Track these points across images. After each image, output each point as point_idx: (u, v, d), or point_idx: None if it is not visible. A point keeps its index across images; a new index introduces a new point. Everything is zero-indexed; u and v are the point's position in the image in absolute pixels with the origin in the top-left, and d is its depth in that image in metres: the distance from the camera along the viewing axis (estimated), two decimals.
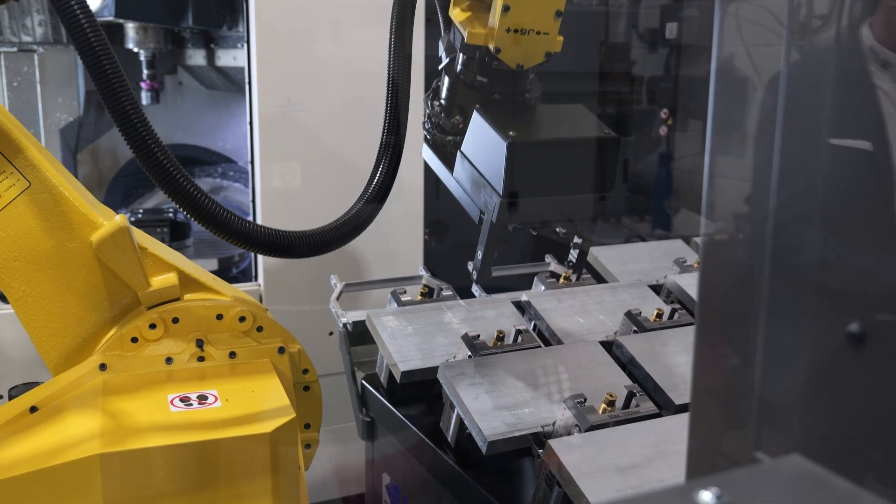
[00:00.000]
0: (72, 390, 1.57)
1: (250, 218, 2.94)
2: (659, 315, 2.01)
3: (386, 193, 1.75)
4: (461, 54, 1.76)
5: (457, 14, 1.74)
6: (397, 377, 1.91)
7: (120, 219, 1.61)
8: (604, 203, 1.70)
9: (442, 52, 1.85)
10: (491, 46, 1.66)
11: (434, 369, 1.84)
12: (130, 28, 3.28)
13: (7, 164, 1.54)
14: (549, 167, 1.64)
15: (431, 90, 1.88)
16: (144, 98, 3.39)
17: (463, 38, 1.71)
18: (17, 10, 3.22)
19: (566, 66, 3.69)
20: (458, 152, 1.75)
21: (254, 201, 2.76)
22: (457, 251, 3.40)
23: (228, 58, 3.37)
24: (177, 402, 1.51)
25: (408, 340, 1.99)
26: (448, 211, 3.27)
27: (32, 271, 1.58)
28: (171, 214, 3.24)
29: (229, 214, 1.53)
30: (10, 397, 1.59)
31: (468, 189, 1.73)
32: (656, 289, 2.26)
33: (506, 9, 1.60)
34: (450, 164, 1.81)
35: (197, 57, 3.49)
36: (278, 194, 2.72)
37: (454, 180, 1.79)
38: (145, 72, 3.39)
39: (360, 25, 2.69)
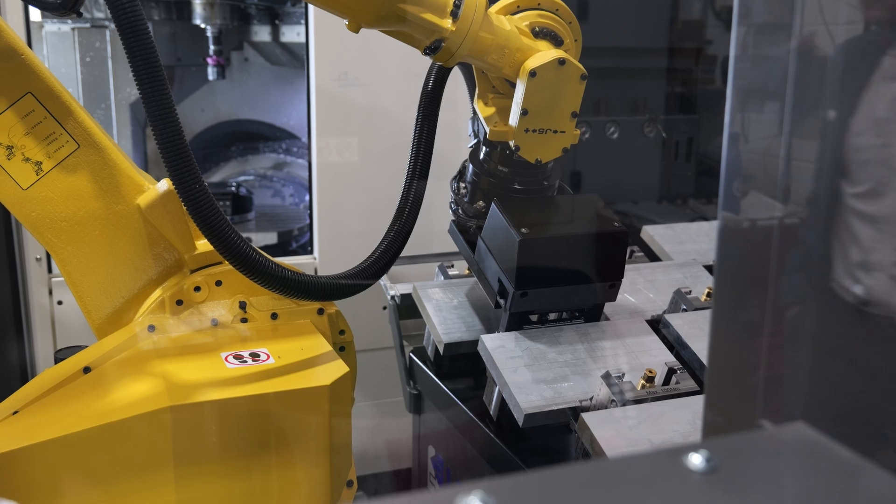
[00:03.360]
0: (123, 351, 1.61)
1: (306, 195, 2.97)
2: (710, 294, 1.96)
3: (407, 235, 1.85)
4: (483, 147, 1.87)
5: (481, 108, 1.83)
6: (440, 349, 1.91)
7: (166, 181, 1.64)
8: (614, 290, 1.81)
9: (470, 132, 1.95)
10: (511, 144, 1.75)
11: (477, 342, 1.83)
12: (198, 4, 3.34)
13: (57, 125, 1.57)
14: (560, 260, 1.75)
15: (458, 172, 1.98)
16: (211, 74, 3.44)
17: (486, 130, 1.79)
18: None
19: (634, 42, 3.62)
20: (479, 238, 1.85)
21: (310, 176, 2.79)
22: None
23: (292, 34, 3.40)
24: (231, 359, 1.54)
25: (453, 313, 1.99)
26: None
27: (79, 232, 1.62)
28: (233, 188, 3.29)
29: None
30: (57, 360, 1.64)
31: (486, 274, 1.83)
32: (711, 269, 2.20)
33: (524, 112, 1.69)
34: (472, 246, 1.91)
35: (262, 33, 3.53)
36: (335, 169, 2.74)
37: (475, 262, 1.89)
38: (212, 48, 3.44)
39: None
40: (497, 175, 1.86)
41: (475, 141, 1.93)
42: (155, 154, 3.66)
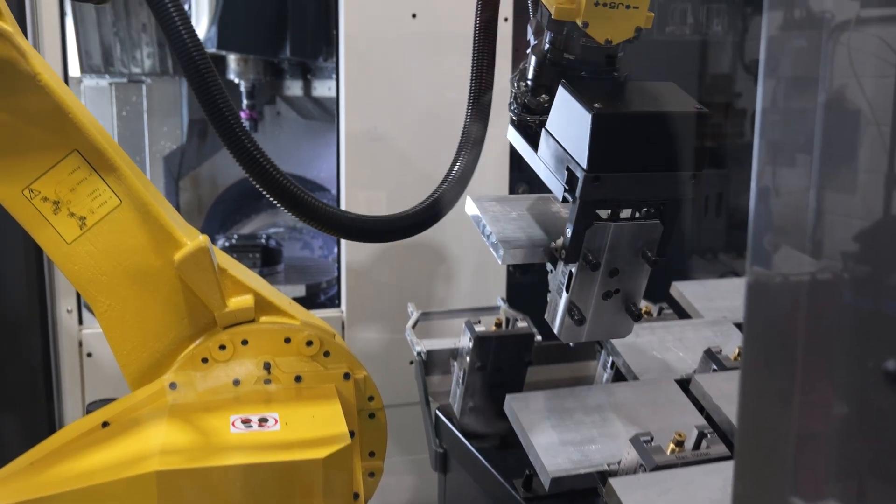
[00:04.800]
0: (142, 407, 1.61)
1: (335, 248, 2.98)
2: (741, 354, 1.92)
3: (467, 180, 1.74)
4: (548, 32, 1.68)
5: None
6: (499, 258, 1.76)
7: (203, 238, 1.65)
8: (695, 184, 1.59)
9: (530, 35, 1.78)
10: (578, 21, 1.59)
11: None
12: (232, 59, 3.40)
13: (101, 182, 1.61)
14: (636, 142, 1.55)
15: (518, 71, 1.81)
16: None
17: (550, 15, 1.63)
18: (128, 42, 3.38)
19: None
20: (543, 130, 1.67)
21: None
22: (542, 284, 3.36)
23: (324, 88, 3.45)
24: (238, 423, 1.53)
25: (511, 223, 1.82)
26: None
27: (117, 286, 1.65)
28: (263, 241, 3.32)
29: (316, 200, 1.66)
30: (88, 412, 1.65)
31: (552, 167, 1.65)
32: (742, 326, 2.16)
33: None
34: (535, 144, 1.73)
35: (294, 87, 3.59)
36: None
37: (538, 160, 1.71)
38: (244, 102, 3.50)
39: (447, 56, 2.71)
40: (562, 64, 1.68)
41: (534, 42, 1.74)
42: (187, 205, 3.71)
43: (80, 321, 2.52)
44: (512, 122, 1.82)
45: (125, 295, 1.65)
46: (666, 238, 1.65)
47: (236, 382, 1.66)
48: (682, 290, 2.37)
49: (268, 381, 1.67)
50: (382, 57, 2.67)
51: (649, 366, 1.96)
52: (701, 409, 1.78)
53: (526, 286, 3.21)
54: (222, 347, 1.66)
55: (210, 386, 1.64)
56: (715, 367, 1.91)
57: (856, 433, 0.86)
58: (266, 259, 3.26)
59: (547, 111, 1.67)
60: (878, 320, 0.89)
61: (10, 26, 1.48)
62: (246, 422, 1.54)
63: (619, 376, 1.99)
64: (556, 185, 1.63)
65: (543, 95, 1.71)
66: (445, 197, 1.76)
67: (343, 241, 2.76)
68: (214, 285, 1.66)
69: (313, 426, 1.55)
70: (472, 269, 2.83)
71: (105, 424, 1.56)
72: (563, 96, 1.59)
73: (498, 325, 2.17)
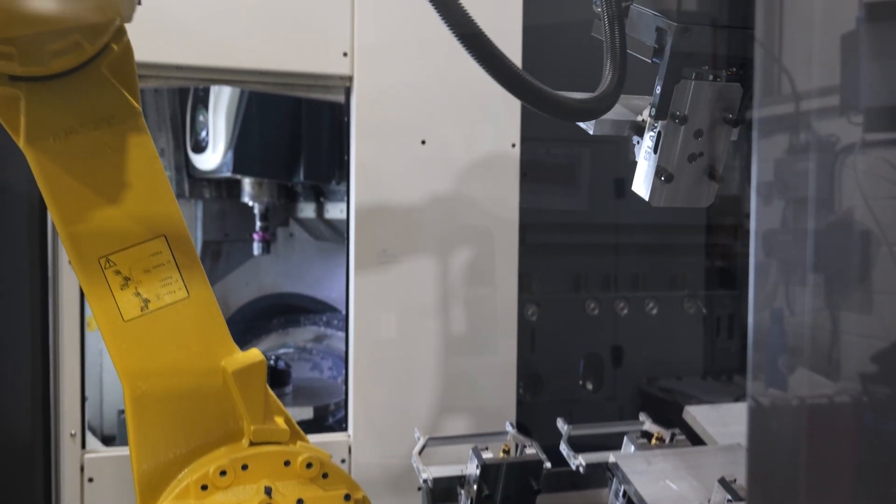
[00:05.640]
0: None
1: (343, 370, 2.96)
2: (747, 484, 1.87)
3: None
4: None
5: None
6: None
7: (259, 354, 1.69)
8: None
9: None
10: None
11: None
12: (247, 183, 3.48)
13: (176, 271, 1.64)
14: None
15: None
16: (256, 249, 3.54)
17: None
18: None
19: (671, 218, 3.65)
20: (632, 4, 1.74)
21: (347, 349, 2.79)
22: (552, 407, 3.31)
23: (336, 210, 3.50)
24: None
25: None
26: (544, 363, 3.21)
27: (159, 375, 1.66)
28: (272, 362, 3.30)
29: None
30: None
31: (642, 34, 1.72)
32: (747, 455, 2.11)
33: None
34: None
35: (308, 209, 3.65)
36: (372, 344, 2.74)
37: (626, 34, 1.75)
38: (258, 224, 3.56)
39: (456, 181, 2.76)
40: None
41: None
42: None
43: (83, 445, 2.49)
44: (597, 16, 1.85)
45: (163, 385, 1.65)
46: (745, 102, 1.74)
47: None
48: (696, 414, 2.32)
49: None
50: (392, 181, 2.72)
51: (661, 495, 1.91)
52: None
53: (536, 408, 3.17)
54: (223, 473, 1.64)
55: None
56: (729, 497, 1.85)
57: None
58: (274, 380, 3.24)
59: None
60: None
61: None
62: None
63: None
64: (645, 49, 1.71)
65: None
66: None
67: (351, 363, 2.74)
68: (261, 400, 1.67)
69: None
70: (481, 391, 2.80)
71: None
72: None
73: (506, 451, 2.13)
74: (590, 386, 3.35)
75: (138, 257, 1.61)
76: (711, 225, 3.88)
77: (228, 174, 3.30)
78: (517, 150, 2.78)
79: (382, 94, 2.66)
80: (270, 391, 1.76)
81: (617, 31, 1.73)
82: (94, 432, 2.56)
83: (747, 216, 4.16)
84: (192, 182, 3.58)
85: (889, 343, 0.99)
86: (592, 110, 1.74)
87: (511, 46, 2.67)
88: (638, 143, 1.83)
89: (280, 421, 1.74)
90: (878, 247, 1.03)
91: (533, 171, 2.89)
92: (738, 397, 3.49)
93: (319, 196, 3.60)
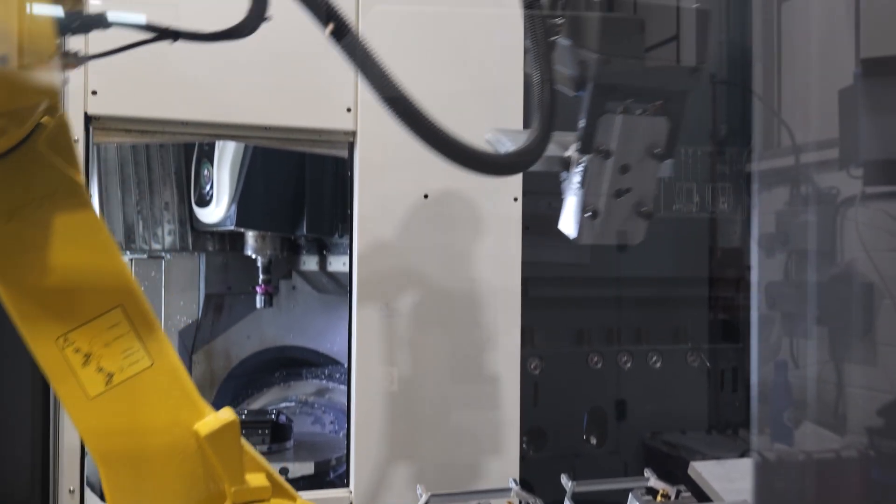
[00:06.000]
0: None
1: (345, 424, 2.94)
2: None
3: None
4: None
5: None
6: None
7: (231, 412, 1.65)
8: (697, 76, 1.69)
9: None
10: None
11: None
12: (250, 236, 3.49)
13: (137, 341, 1.60)
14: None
15: None
16: (258, 302, 3.53)
17: None
18: (150, 220, 3.49)
19: (673, 271, 3.66)
20: (556, 39, 1.75)
21: (349, 404, 2.77)
22: (556, 461, 3.27)
23: (339, 263, 3.51)
24: None
25: None
26: (548, 418, 3.19)
27: (133, 447, 1.60)
28: (273, 416, 3.28)
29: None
30: None
31: (567, 64, 1.73)
32: None
33: None
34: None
35: (310, 262, 3.65)
36: (375, 398, 2.72)
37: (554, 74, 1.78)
38: (261, 276, 3.56)
39: (458, 235, 2.77)
40: None
41: None
42: (200, 379, 3.70)
43: (82, 501, 2.46)
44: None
45: (138, 456, 1.60)
46: (672, 136, 1.74)
47: None
48: (701, 470, 2.30)
49: None
50: (395, 235, 2.73)
51: None
52: None
53: (539, 463, 3.13)
54: None
55: None
56: None
57: None
58: (275, 435, 3.21)
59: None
60: None
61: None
62: None
63: None
64: (571, 82, 1.72)
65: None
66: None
67: (353, 417, 2.71)
68: (239, 460, 1.64)
69: None
70: (484, 446, 2.77)
71: None
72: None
73: None
74: (594, 440, 3.32)
75: (97, 331, 1.57)
76: (713, 277, 3.89)
77: (232, 227, 3.31)
78: (519, 203, 2.79)
79: (385, 149, 2.68)
80: (250, 447, 1.72)
81: (547, 84, 1.75)
82: (92, 488, 2.52)
83: (748, 268, 4.18)
84: (195, 235, 3.60)
85: (895, 395, 0.99)
86: (515, 164, 1.77)
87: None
88: (565, 179, 1.83)
89: (260, 477, 1.68)
90: (882, 299, 1.03)
91: (535, 225, 2.90)
92: (744, 452, 3.45)
93: (322, 249, 3.61)
